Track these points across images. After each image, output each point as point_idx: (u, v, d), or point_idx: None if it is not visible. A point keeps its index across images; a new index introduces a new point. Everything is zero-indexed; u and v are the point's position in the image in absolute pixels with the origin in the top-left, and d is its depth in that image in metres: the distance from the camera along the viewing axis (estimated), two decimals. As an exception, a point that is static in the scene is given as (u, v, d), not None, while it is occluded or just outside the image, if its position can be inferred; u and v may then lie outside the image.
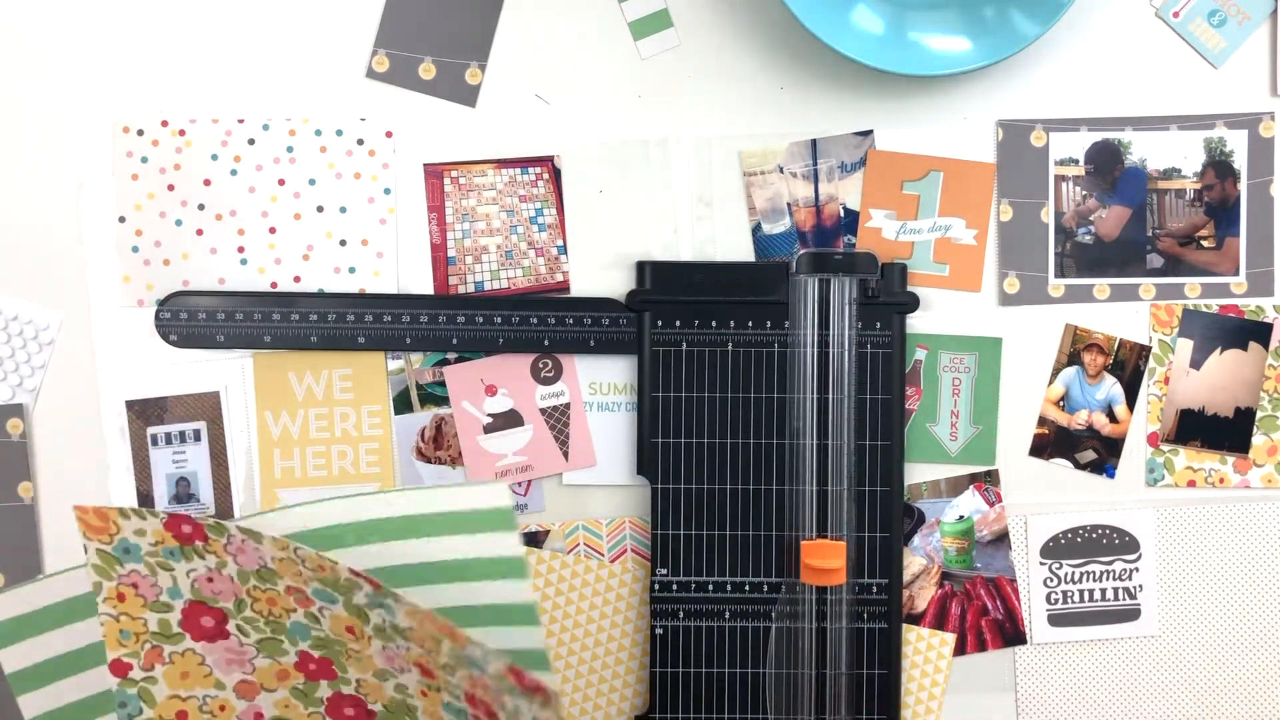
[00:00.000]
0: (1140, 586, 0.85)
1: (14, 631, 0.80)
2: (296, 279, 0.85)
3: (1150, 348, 0.85)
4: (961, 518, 0.85)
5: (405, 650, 0.73)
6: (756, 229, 0.85)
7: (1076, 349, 0.85)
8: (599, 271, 0.85)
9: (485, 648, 0.68)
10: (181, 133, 0.84)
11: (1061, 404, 0.85)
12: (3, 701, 0.81)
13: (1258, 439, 0.85)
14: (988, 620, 0.85)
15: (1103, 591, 0.85)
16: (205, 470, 0.85)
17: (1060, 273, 0.85)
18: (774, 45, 0.85)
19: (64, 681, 0.81)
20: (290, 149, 0.84)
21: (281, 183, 0.84)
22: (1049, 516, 0.85)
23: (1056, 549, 0.85)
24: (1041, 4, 0.80)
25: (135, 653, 0.78)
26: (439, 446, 0.85)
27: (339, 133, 0.85)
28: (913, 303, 0.84)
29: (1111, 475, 0.85)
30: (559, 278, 0.85)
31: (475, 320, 0.83)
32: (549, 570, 0.85)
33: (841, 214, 0.85)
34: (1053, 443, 0.85)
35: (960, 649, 0.85)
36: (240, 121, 0.84)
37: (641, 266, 0.84)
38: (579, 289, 0.85)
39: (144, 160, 0.84)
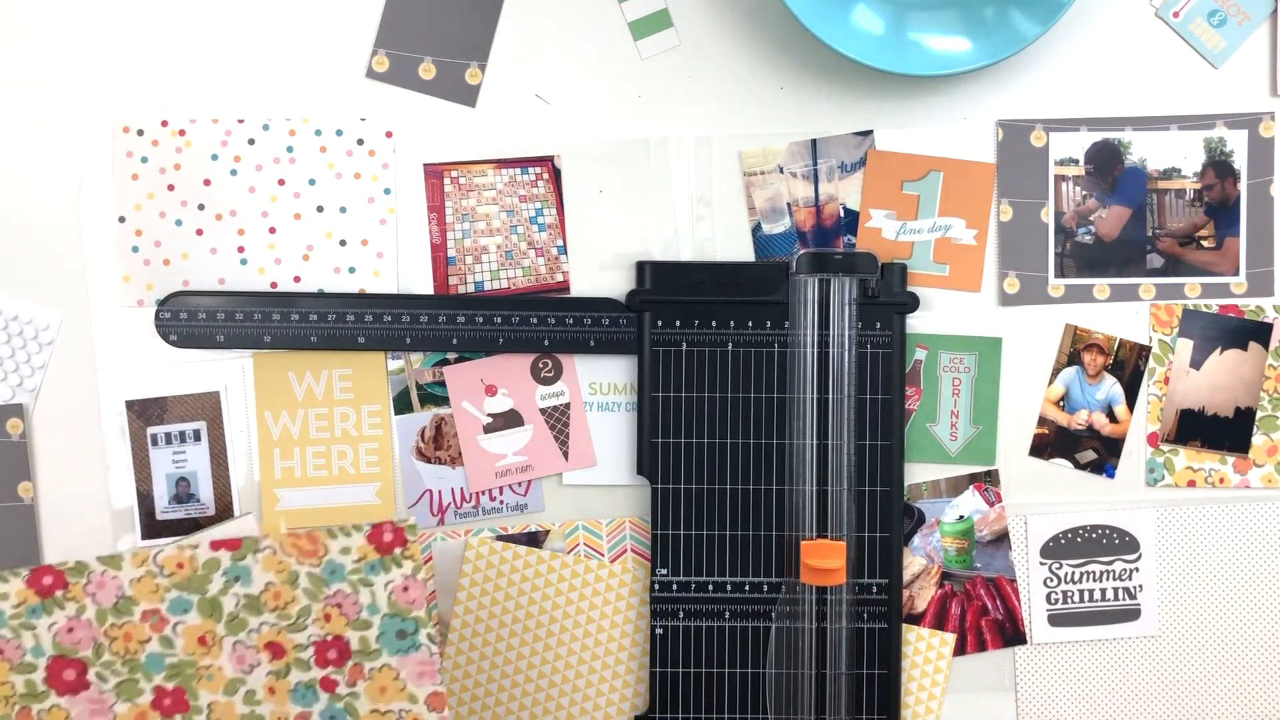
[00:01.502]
0: (1140, 586, 0.85)
1: None
2: (296, 279, 0.85)
3: (1150, 348, 0.85)
4: (961, 518, 0.85)
5: (257, 633, 0.80)
6: (756, 229, 0.85)
7: (1076, 349, 0.85)
8: (599, 271, 0.85)
9: (345, 531, 0.78)
10: (181, 133, 0.84)
11: (1061, 404, 0.85)
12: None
13: (1258, 439, 0.85)
14: (988, 620, 0.85)
15: (1103, 591, 0.85)
16: (205, 470, 0.85)
17: (1060, 273, 0.85)
18: (774, 45, 0.84)
19: None
20: (290, 149, 0.84)
21: (281, 183, 0.84)
22: (1049, 516, 0.85)
23: (1056, 549, 0.85)
24: (1041, 4, 0.80)
25: (7, 715, 0.81)
26: (439, 446, 0.85)
27: (339, 133, 0.85)
28: (913, 303, 0.84)
29: (1111, 475, 0.85)
30: (559, 278, 0.85)
31: (475, 320, 0.83)
32: (549, 570, 0.85)
33: (841, 214, 0.85)
34: (1053, 443, 0.85)
35: (960, 649, 0.85)
36: (240, 121, 0.84)
37: (641, 266, 0.84)
38: (579, 289, 0.85)
39: (144, 160, 0.84)
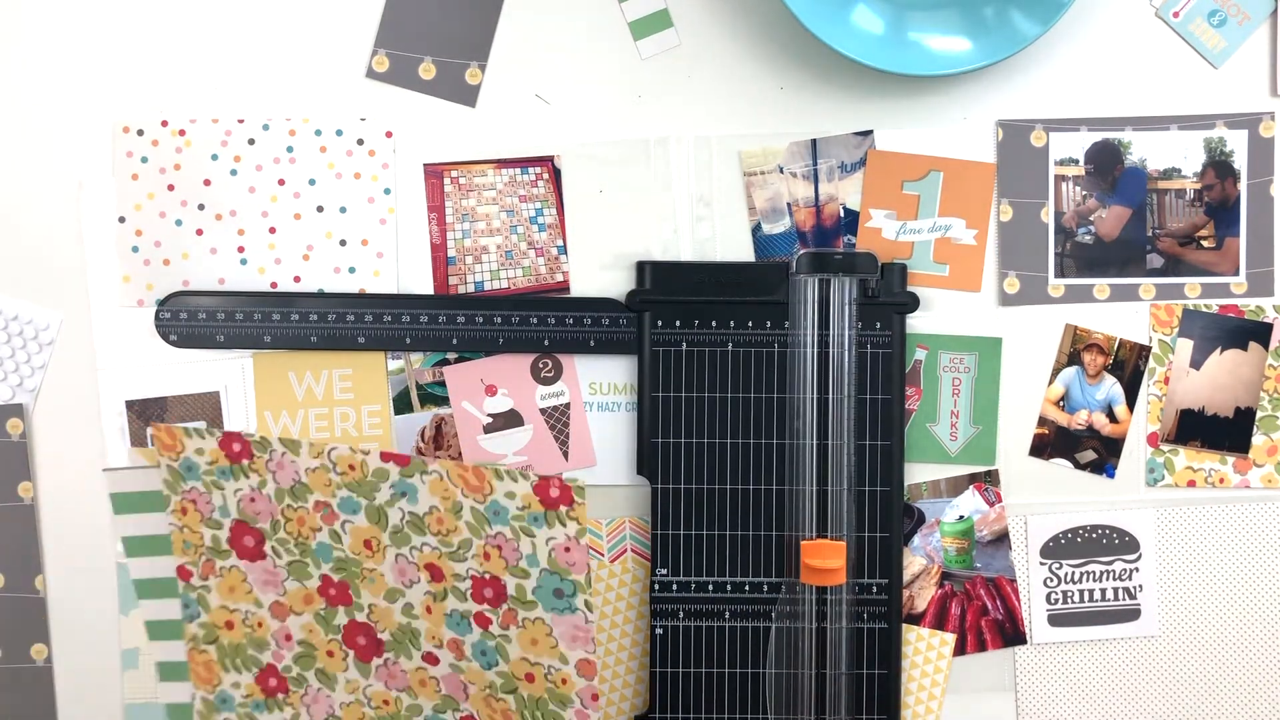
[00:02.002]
0: (1140, 586, 0.85)
1: (131, 504, 0.85)
2: (296, 279, 0.85)
3: (1150, 348, 0.85)
4: (961, 518, 0.85)
5: (419, 551, 0.82)
6: (756, 229, 0.85)
7: (1076, 349, 0.85)
8: (599, 271, 0.85)
9: (513, 476, 0.79)
10: (181, 133, 0.84)
11: (1061, 404, 0.85)
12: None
13: (1258, 439, 0.85)
14: (988, 620, 0.85)
15: (1103, 591, 0.85)
16: (205, 470, 0.85)
17: (1060, 273, 0.85)
18: (774, 45, 0.84)
19: (160, 558, 0.86)
20: (290, 149, 0.84)
21: (281, 183, 0.84)
22: (1049, 516, 0.85)
23: (1056, 549, 0.85)
24: (1041, 4, 0.80)
25: (195, 561, 0.84)
26: (439, 446, 0.85)
27: (339, 133, 0.85)
28: (913, 303, 0.84)
29: (1111, 475, 0.85)
30: (559, 278, 0.85)
31: (475, 320, 0.83)
32: (549, 570, 0.85)
33: (841, 214, 0.85)
34: (1053, 443, 0.85)
35: (960, 649, 0.85)
36: (240, 121, 0.84)
37: (641, 266, 0.84)
38: (579, 289, 0.85)
39: (144, 160, 0.84)
